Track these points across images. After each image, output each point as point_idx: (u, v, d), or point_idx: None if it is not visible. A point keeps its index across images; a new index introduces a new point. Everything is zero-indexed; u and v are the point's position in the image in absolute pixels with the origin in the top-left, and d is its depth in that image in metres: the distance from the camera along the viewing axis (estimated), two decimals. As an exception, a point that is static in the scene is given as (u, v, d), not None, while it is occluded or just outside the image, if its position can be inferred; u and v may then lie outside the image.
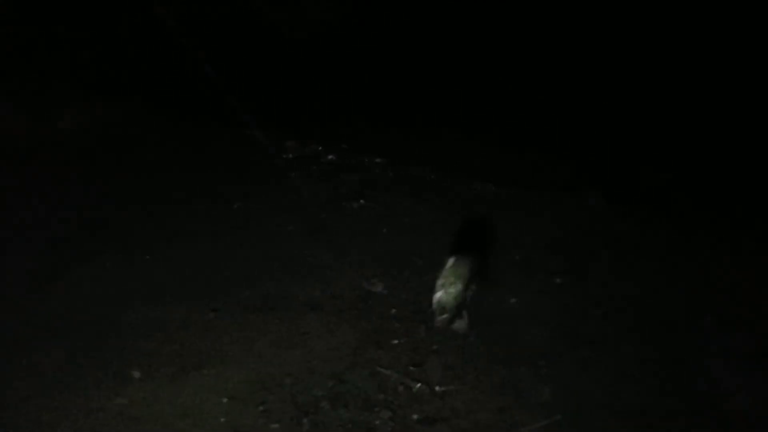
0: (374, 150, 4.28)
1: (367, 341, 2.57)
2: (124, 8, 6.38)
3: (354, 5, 6.29)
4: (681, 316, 2.76)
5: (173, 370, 2.41)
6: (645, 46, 5.15)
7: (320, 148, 4.36)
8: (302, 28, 6.22)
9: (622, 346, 2.57)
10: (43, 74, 5.66)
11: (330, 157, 4.28)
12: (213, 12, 6.59)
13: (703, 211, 3.59)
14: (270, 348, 2.53)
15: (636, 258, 3.19)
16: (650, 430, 2.18)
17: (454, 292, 2.49)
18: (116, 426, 2.17)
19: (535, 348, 2.54)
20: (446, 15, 6.00)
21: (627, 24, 5.33)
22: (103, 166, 4.29)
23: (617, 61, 5.12)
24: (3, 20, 6.01)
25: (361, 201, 3.71)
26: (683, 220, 3.52)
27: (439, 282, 2.53)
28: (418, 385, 2.34)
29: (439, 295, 2.50)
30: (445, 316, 2.51)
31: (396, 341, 2.57)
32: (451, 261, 2.59)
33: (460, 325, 2.56)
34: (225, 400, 2.27)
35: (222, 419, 2.19)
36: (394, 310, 2.76)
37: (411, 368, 2.42)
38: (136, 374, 2.39)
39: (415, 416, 2.21)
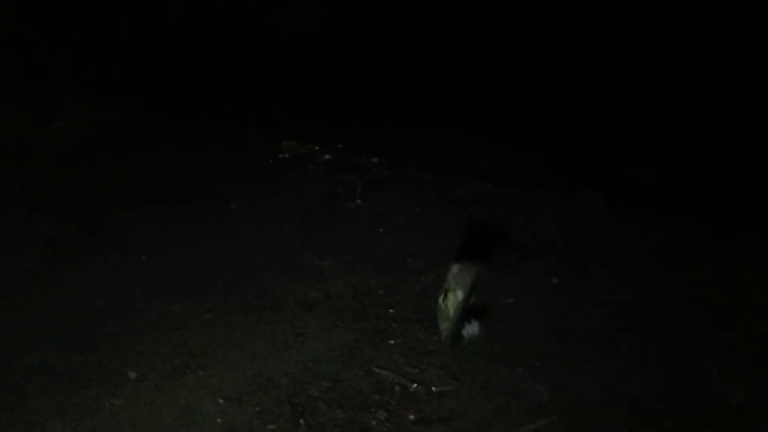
0: (372, 150, 4.27)
1: (364, 341, 2.56)
2: (124, 8, 6.39)
3: (353, 5, 6.28)
4: (680, 316, 2.74)
5: (169, 371, 2.41)
6: (645, 46, 5.13)
7: (317, 147, 4.35)
8: (301, 28, 6.22)
9: (620, 346, 2.55)
10: (43, 74, 5.67)
11: (327, 156, 4.28)
12: (213, 12, 6.60)
13: (702, 210, 3.58)
14: (266, 348, 2.53)
15: (635, 258, 3.18)
16: (649, 431, 2.17)
17: (457, 301, 2.47)
18: (112, 427, 2.16)
19: (533, 348, 2.52)
20: (446, 15, 5.99)
21: (627, 24, 5.32)
22: (102, 165, 4.29)
23: (617, 61, 5.11)
24: (3, 20, 6.02)
25: (359, 201, 3.71)
26: (683, 220, 3.50)
27: (443, 291, 2.51)
28: (415, 385, 2.33)
29: (441, 303, 2.48)
30: (446, 324, 2.49)
31: (392, 341, 2.56)
32: (455, 268, 2.56)
33: (470, 330, 2.53)
34: (221, 400, 2.26)
35: (218, 420, 2.18)
36: (391, 311, 2.75)
37: (407, 369, 2.42)
38: (132, 375, 2.39)
39: (411, 417, 2.20)
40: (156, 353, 2.50)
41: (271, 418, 2.19)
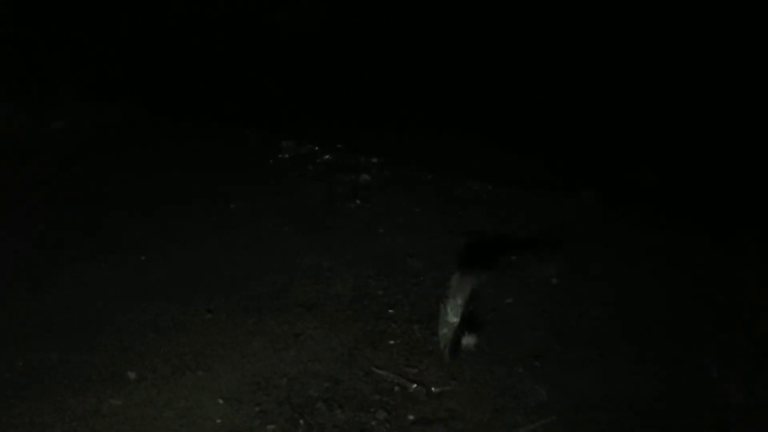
0: (371, 150, 4.27)
1: (363, 342, 2.56)
2: (124, 8, 6.39)
3: (353, 5, 6.28)
4: (680, 316, 2.74)
5: (169, 371, 2.40)
6: (645, 46, 5.13)
7: (317, 148, 4.35)
8: (301, 28, 6.22)
9: (619, 346, 2.55)
10: (43, 74, 5.67)
11: (327, 156, 4.28)
12: (213, 12, 6.60)
13: (702, 210, 3.57)
14: (265, 349, 2.52)
15: (635, 258, 3.17)
16: (649, 431, 2.17)
17: (457, 307, 2.45)
18: (111, 427, 2.16)
19: (532, 348, 2.52)
20: (446, 15, 5.99)
21: (628, 23, 5.32)
22: (102, 165, 4.29)
23: (617, 61, 5.11)
24: (3, 20, 6.02)
25: (358, 201, 3.70)
26: (683, 220, 3.50)
27: (444, 297, 2.50)
28: (414, 385, 2.33)
29: (442, 309, 2.47)
30: (445, 331, 2.48)
31: (392, 342, 2.56)
32: (456, 275, 2.53)
33: (469, 341, 2.51)
34: (220, 401, 2.26)
35: (217, 420, 2.18)
36: (390, 311, 2.75)
37: (407, 369, 2.41)
38: (132, 375, 2.39)
39: (410, 417, 2.20)
40: (156, 353, 2.50)
41: (271, 418, 2.19)
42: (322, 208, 3.64)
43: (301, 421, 2.17)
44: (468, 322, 2.48)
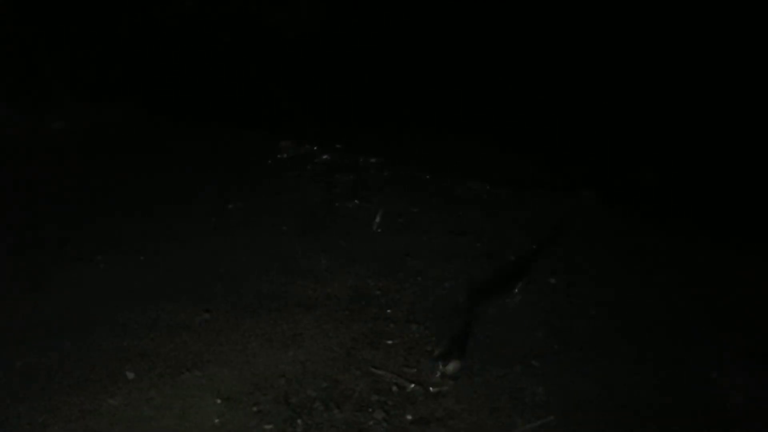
0: (370, 150, 4.27)
1: (362, 342, 2.56)
2: (124, 8, 6.39)
3: (353, 5, 6.28)
4: (680, 316, 2.74)
5: (167, 371, 2.40)
6: (645, 46, 5.12)
7: (316, 148, 4.35)
8: (301, 28, 6.22)
9: (619, 346, 2.55)
10: (43, 74, 5.67)
11: (326, 157, 4.28)
12: (213, 12, 6.59)
13: (702, 210, 3.57)
14: (264, 349, 2.52)
15: (634, 258, 3.17)
16: (648, 431, 2.16)
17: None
18: (110, 427, 2.16)
19: (530, 348, 2.52)
20: (446, 15, 5.98)
21: (628, 23, 5.31)
22: (101, 165, 4.29)
23: (617, 61, 5.10)
24: (3, 20, 6.02)
25: (357, 201, 3.70)
26: (683, 220, 3.50)
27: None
28: (412, 385, 2.33)
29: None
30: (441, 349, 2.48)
31: (390, 342, 2.56)
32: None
33: (454, 367, 2.41)
34: (219, 401, 2.26)
35: (216, 420, 2.18)
36: (388, 311, 2.75)
37: (405, 369, 2.41)
38: (130, 375, 2.38)
39: (408, 417, 2.20)
40: (154, 353, 2.50)
41: (269, 418, 2.18)
42: (321, 208, 3.64)
43: (299, 421, 2.17)
44: (457, 347, 2.48)
